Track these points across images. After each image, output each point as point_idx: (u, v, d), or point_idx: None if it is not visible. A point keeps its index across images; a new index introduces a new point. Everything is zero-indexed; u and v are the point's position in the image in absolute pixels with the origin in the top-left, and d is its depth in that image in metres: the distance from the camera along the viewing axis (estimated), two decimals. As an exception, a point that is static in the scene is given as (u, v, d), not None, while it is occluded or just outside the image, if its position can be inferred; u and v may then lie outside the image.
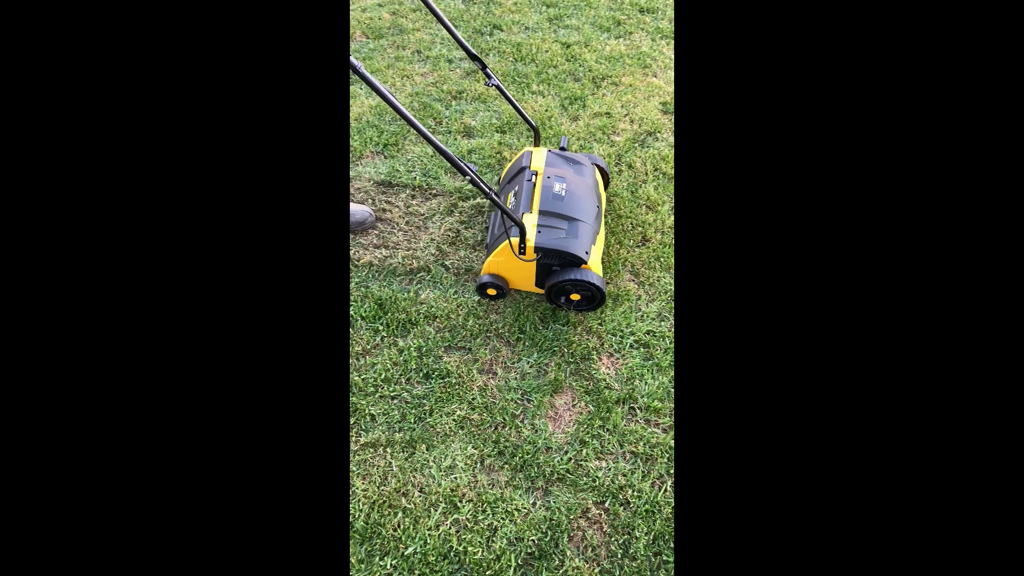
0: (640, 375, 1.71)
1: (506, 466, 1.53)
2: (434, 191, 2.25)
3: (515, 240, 1.68)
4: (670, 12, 3.15)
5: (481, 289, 1.84)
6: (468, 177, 1.46)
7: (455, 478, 1.50)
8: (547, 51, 2.89)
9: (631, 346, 1.78)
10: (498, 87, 1.83)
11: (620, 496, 1.47)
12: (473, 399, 1.65)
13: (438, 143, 1.38)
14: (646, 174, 2.30)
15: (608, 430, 1.60)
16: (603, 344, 1.79)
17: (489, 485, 1.49)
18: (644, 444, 1.56)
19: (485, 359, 1.75)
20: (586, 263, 1.71)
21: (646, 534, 1.41)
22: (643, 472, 1.52)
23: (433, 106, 2.57)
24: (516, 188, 1.86)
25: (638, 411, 1.64)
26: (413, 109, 2.57)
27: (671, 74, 2.78)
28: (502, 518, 1.43)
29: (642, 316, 1.85)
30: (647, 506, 1.45)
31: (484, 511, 1.45)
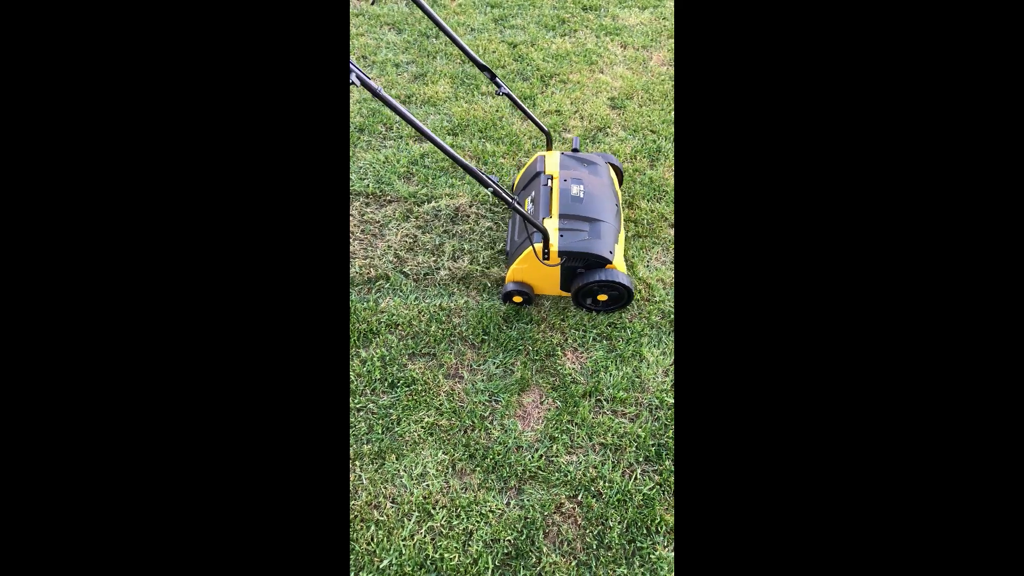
0: (604, 367, 1.73)
1: (478, 468, 1.53)
2: (388, 197, 2.22)
3: (539, 246, 1.67)
4: (613, 9, 3.21)
5: (507, 297, 1.83)
6: (491, 188, 1.48)
7: (427, 485, 1.49)
8: (494, 52, 2.90)
9: (594, 339, 1.80)
10: (508, 95, 1.85)
11: (592, 488, 1.49)
12: (441, 405, 1.64)
13: (458, 157, 1.41)
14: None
15: (577, 424, 1.61)
16: (567, 339, 1.80)
17: (462, 489, 1.49)
18: (612, 435, 1.59)
19: (450, 363, 1.74)
20: (611, 263, 1.71)
21: (619, 523, 1.43)
22: (613, 462, 1.54)
23: (383, 111, 2.54)
24: (533, 194, 1.85)
25: (605, 403, 1.66)
26: (361, 115, 2.53)
27: (617, 70, 2.83)
28: (477, 521, 1.43)
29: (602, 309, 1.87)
30: (619, 496, 1.47)
31: (458, 516, 1.44)
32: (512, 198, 1.54)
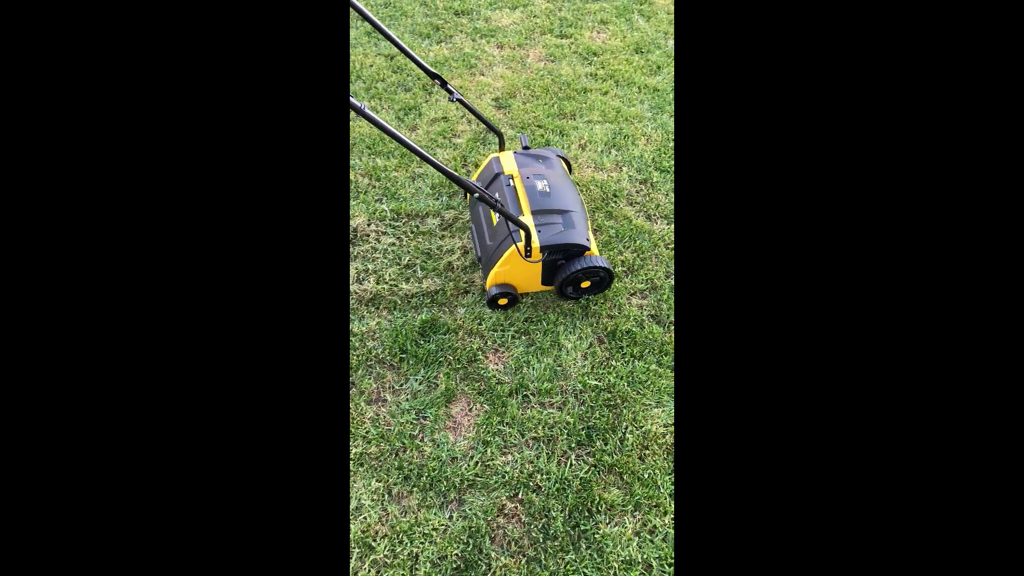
0: (526, 362, 1.76)
1: (415, 489, 1.50)
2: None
3: (520, 244, 1.67)
4: (485, 12, 3.26)
5: (492, 302, 1.82)
6: (476, 195, 1.50)
7: (364, 519, 1.44)
8: (371, 65, 2.85)
9: (513, 337, 1.82)
10: (460, 101, 1.85)
11: (531, 484, 1.51)
12: (367, 432, 1.59)
13: (440, 165, 1.43)
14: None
15: (507, 424, 1.62)
16: (487, 342, 1.81)
17: (401, 514, 1.45)
18: (543, 427, 1.61)
19: (371, 389, 1.69)
20: (590, 249, 1.75)
21: (561, 511, 1.46)
22: (547, 453, 1.56)
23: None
24: (497, 195, 1.84)
25: (531, 397, 1.69)
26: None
27: (497, 70, 2.87)
28: (421, 542, 1.40)
29: (518, 306, 1.90)
30: (557, 485, 1.50)
31: (401, 542, 1.40)
32: (497, 201, 1.55)
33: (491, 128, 2.05)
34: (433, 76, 1.78)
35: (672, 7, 3.31)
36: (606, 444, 1.58)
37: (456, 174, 1.48)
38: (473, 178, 2.08)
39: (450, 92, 1.82)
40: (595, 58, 2.94)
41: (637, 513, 1.46)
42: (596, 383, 1.70)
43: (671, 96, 2.70)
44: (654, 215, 2.19)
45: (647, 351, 1.78)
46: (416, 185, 2.28)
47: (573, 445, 1.59)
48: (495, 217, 1.81)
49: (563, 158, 2.13)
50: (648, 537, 1.42)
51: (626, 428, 1.61)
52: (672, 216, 2.17)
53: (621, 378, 1.71)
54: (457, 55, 2.95)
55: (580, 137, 2.50)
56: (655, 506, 1.47)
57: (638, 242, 2.09)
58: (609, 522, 1.44)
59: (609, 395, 1.68)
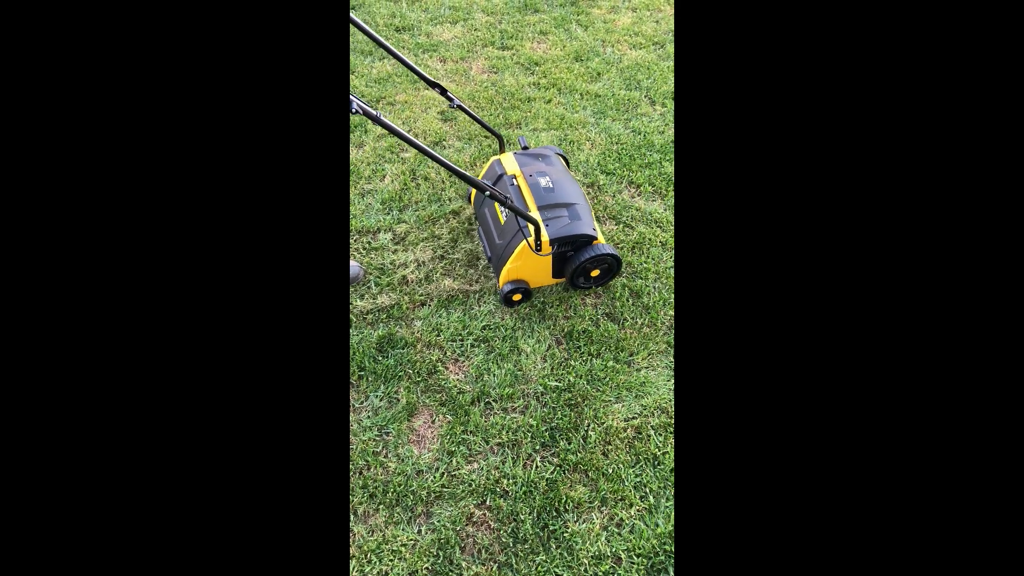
0: (487, 369, 1.76)
1: (381, 506, 1.48)
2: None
3: (531, 239, 1.72)
4: (426, 27, 3.28)
5: (507, 299, 1.86)
6: (487, 192, 1.55)
7: (330, 541, 1.41)
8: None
9: (472, 345, 1.83)
10: (460, 107, 1.89)
11: (498, 489, 1.51)
12: (328, 454, 1.56)
13: (451, 164, 1.47)
14: (443, 182, 2.38)
15: (471, 432, 1.63)
16: (446, 352, 1.81)
17: (367, 533, 1.43)
18: (507, 432, 1.62)
19: (331, 409, 1.66)
20: (597, 239, 1.80)
21: (530, 514, 1.47)
22: (513, 458, 1.57)
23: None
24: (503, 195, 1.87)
25: (494, 403, 1.70)
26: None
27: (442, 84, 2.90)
28: (390, 560, 1.38)
29: (476, 315, 1.91)
30: (524, 488, 1.51)
31: (370, 561, 1.38)
32: (506, 197, 1.60)
33: (491, 131, 2.09)
34: (432, 85, 1.83)
35: (607, 16, 3.43)
36: (570, 443, 1.60)
37: (466, 173, 1.51)
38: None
39: (450, 100, 1.87)
40: (537, 68, 3.01)
41: (604, 508, 1.48)
42: (557, 384, 1.73)
43: (612, 101, 2.79)
44: (602, 217, 2.25)
45: (604, 348, 1.82)
46: (366, 201, 2.27)
47: (538, 447, 1.60)
48: (502, 216, 1.86)
49: (561, 155, 2.19)
50: (616, 531, 1.44)
51: (588, 426, 1.64)
52: (619, 217, 2.24)
53: (580, 377, 1.74)
54: (401, 71, 2.96)
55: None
56: (620, 499, 1.49)
57: (589, 243, 2.14)
58: (577, 519, 1.46)
59: (570, 395, 1.71)
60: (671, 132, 2.62)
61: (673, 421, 1.64)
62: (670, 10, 3.50)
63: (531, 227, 1.72)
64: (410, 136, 1.34)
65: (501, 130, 2.62)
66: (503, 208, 1.85)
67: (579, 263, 1.81)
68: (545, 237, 1.74)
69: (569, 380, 1.74)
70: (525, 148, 2.15)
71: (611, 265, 1.89)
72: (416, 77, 2.90)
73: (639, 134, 2.60)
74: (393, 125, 1.30)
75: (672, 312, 1.92)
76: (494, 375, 1.75)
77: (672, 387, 1.73)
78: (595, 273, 1.90)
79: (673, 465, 1.55)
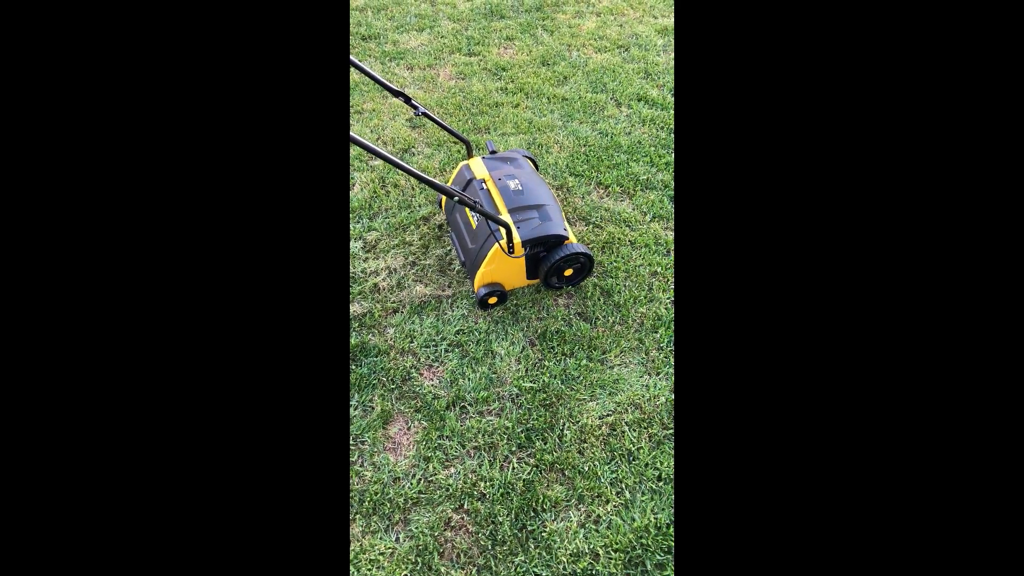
0: (461, 373, 1.77)
1: (358, 516, 1.47)
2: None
3: (503, 242, 1.74)
4: (392, 35, 3.29)
5: (482, 303, 1.87)
6: (456, 198, 1.56)
7: (306, 554, 1.39)
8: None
9: (446, 350, 1.83)
10: (425, 114, 1.89)
11: (475, 492, 1.51)
12: (303, 466, 1.55)
13: (418, 172, 1.47)
14: (412, 188, 2.38)
15: (447, 437, 1.63)
16: (419, 359, 1.81)
17: (345, 544, 1.42)
18: (483, 435, 1.63)
19: (304, 420, 1.65)
20: (568, 238, 1.83)
21: (508, 515, 1.47)
22: (489, 460, 1.58)
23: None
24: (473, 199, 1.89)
25: (469, 407, 1.70)
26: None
27: (409, 91, 2.90)
28: (369, 570, 1.37)
29: (449, 320, 1.91)
30: (501, 490, 1.51)
31: (348, 573, 1.37)
32: (475, 202, 1.63)
33: (458, 137, 2.08)
34: (396, 94, 1.81)
35: (572, 21, 3.48)
36: (545, 443, 1.61)
37: (434, 180, 1.52)
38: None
39: (415, 108, 1.86)
40: (504, 73, 3.03)
41: (581, 506, 1.50)
42: (531, 385, 1.74)
43: (579, 104, 2.82)
44: (572, 218, 2.27)
45: (577, 348, 1.84)
46: (335, 210, 2.26)
47: (514, 448, 1.61)
48: (474, 221, 1.88)
49: (529, 158, 2.21)
50: (593, 527, 1.46)
51: (563, 425, 1.65)
52: (589, 218, 2.27)
53: (555, 377, 1.76)
54: (365, 78, 2.95)
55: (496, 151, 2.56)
56: (597, 496, 1.51)
57: (560, 245, 2.16)
58: (555, 519, 1.47)
59: (544, 395, 1.72)
60: (637, 133, 2.67)
61: (647, 417, 1.67)
62: (633, 14, 3.56)
63: (502, 230, 1.74)
64: (376, 147, 1.34)
65: (470, 136, 2.63)
66: (474, 213, 1.86)
67: (552, 263, 1.83)
68: (517, 239, 1.77)
69: (544, 381, 1.75)
70: (493, 152, 2.16)
71: (584, 264, 1.92)
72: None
73: (606, 136, 2.64)
74: (358, 138, 1.29)
75: (643, 309, 1.95)
76: (469, 379, 1.75)
77: (644, 383, 1.75)
78: (568, 272, 1.92)
79: (648, 460, 1.57)
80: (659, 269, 2.07)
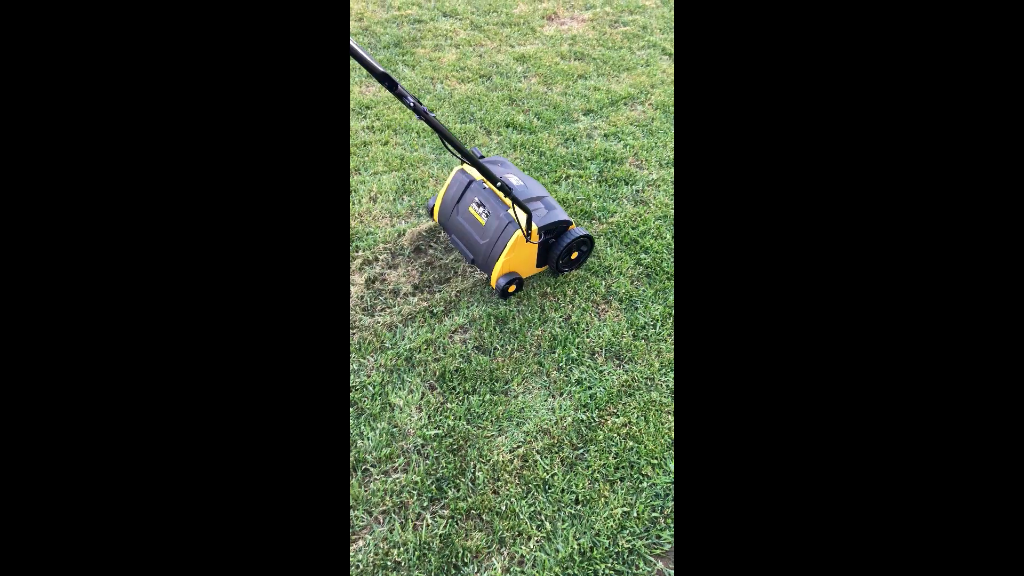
0: (360, 433, 1.65)
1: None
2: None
3: (523, 228, 1.86)
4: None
5: (503, 292, 1.99)
6: (499, 184, 1.71)
7: None
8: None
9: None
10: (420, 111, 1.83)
11: (388, 563, 1.40)
12: None
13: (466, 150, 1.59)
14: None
15: (352, 507, 1.49)
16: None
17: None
18: (391, 496, 1.52)
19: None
20: (572, 223, 2.02)
21: (428, 579, 1.37)
22: (400, 522, 1.47)
23: None
24: (476, 198, 2.01)
25: (372, 469, 1.58)
26: None
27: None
28: None
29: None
30: (417, 553, 1.41)
31: None
32: (508, 187, 1.74)
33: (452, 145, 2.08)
34: (382, 78, 1.60)
35: (432, 55, 3.50)
36: (458, 490, 1.54)
37: (492, 172, 1.69)
38: (440, 193, 2.16)
39: (403, 95, 1.76)
40: (368, 111, 2.97)
41: (503, 549, 1.44)
42: (436, 432, 1.66)
43: (449, 135, 2.83)
44: (454, 251, 2.25)
45: (479, 383, 1.79)
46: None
47: (426, 503, 1.51)
48: (482, 218, 1.98)
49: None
50: (518, 569, 1.40)
51: (474, 467, 1.59)
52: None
53: (459, 418, 1.70)
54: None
55: (369, 190, 2.48)
56: (518, 535, 1.46)
57: (448, 279, 2.12)
58: (478, 570, 1.40)
59: (451, 439, 1.65)
60: (511, 159, 2.72)
61: (556, 441, 1.66)
62: (491, 44, 3.68)
63: (523, 217, 1.86)
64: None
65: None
66: (481, 210, 1.98)
67: (563, 247, 1.99)
68: (534, 226, 1.91)
69: (448, 424, 1.68)
70: (481, 157, 2.17)
71: (588, 245, 2.11)
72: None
73: (480, 164, 2.67)
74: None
75: (537, 332, 1.96)
76: (368, 438, 1.64)
77: (549, 406, 1.75)
78: (575, 255, 2.10)
79: (563, 485, 1.56)
80: (548, 289, 2.10)
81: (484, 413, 1.71)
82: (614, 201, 2.51)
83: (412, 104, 1.41)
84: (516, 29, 3.86)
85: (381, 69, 1.27)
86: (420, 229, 2.31)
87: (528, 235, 1.90)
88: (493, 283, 1.98)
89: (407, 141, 2.78)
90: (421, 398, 1.75)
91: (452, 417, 1.70)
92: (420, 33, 3.71)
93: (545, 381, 1.82)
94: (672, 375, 1.84)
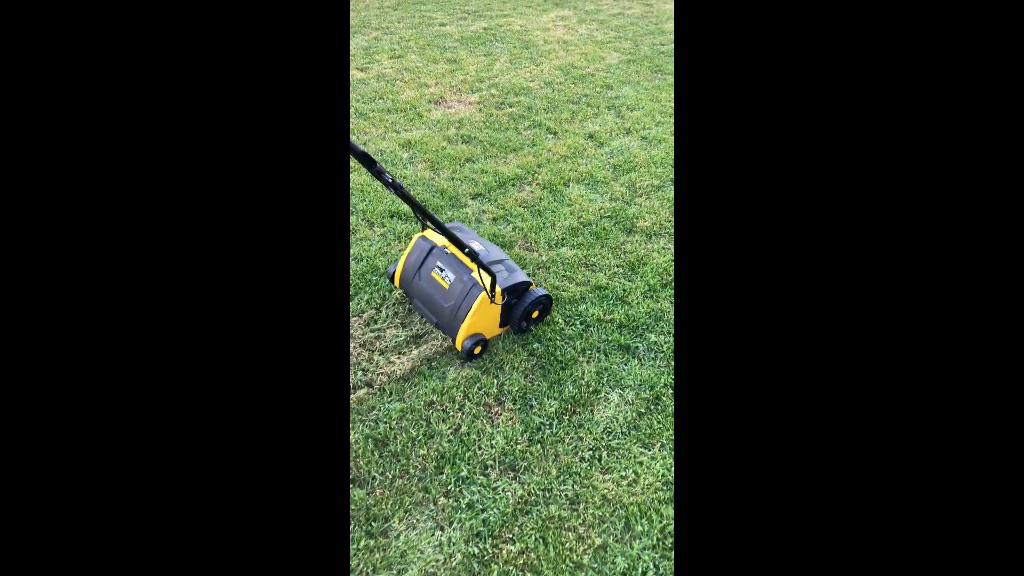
0: None
1: None
2: None
3: (487, 290, 1.92)
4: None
5: (468, 354, 2.01)
6: (467, 251, 1.82)
7: None
8: None
9: None
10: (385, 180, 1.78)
11: None
12: None
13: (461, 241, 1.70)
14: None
15: None
16: None
17: None
18: None
19: None
20: (532, 283, 2.10)
21: None
22: None
23: None
24: (438, 263, 2.07)
25: None
26: None
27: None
28: None
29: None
30: None
31: None
32: (475, 254, 1.84)
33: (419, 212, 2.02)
34: (362, 159, 1.66)
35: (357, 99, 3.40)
36: None
37: (456, 236, 1.77)
38: (402, 260, 2.21)
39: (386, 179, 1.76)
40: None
41: None
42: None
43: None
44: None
45: (353, 527, 1.56)
46: None
47: None
48: (445, 282, 2.03)
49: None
50: None
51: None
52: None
53: None
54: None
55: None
56: None
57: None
58: None
59: None
60: (395, 251, 2.60)
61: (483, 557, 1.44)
62: (376, 131, 3.64)
63: (486, 280, 1.91)
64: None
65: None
66: (443, 274, 2.04)
67: (525, 307, 2.07)
68: (498, 288, 1.96)
69: None
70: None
71: (546, 304, 2.20)
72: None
73: (361, 260, 2.52)
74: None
75: (423, 451, 1.77)
76: None
77: (437, 542, 1.54)
78: (535, 314, 2.19)
79: (451, 647, 1.33)
80: (435, 397, 1.93)
81: (357, 567, 1.47)
82: (504, 289, 2.43)
83: (389, 181, 1.49)
84: (402, 115, 3.87)
85: (360, 149, 1.35)
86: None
87: (492, 297, 1.96)
88: (459, 345, 2.00)
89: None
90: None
91: None
92: (302, 123, 3.62)
93: (432, 511, 1.62)
94: (570, 483, 1.71)
